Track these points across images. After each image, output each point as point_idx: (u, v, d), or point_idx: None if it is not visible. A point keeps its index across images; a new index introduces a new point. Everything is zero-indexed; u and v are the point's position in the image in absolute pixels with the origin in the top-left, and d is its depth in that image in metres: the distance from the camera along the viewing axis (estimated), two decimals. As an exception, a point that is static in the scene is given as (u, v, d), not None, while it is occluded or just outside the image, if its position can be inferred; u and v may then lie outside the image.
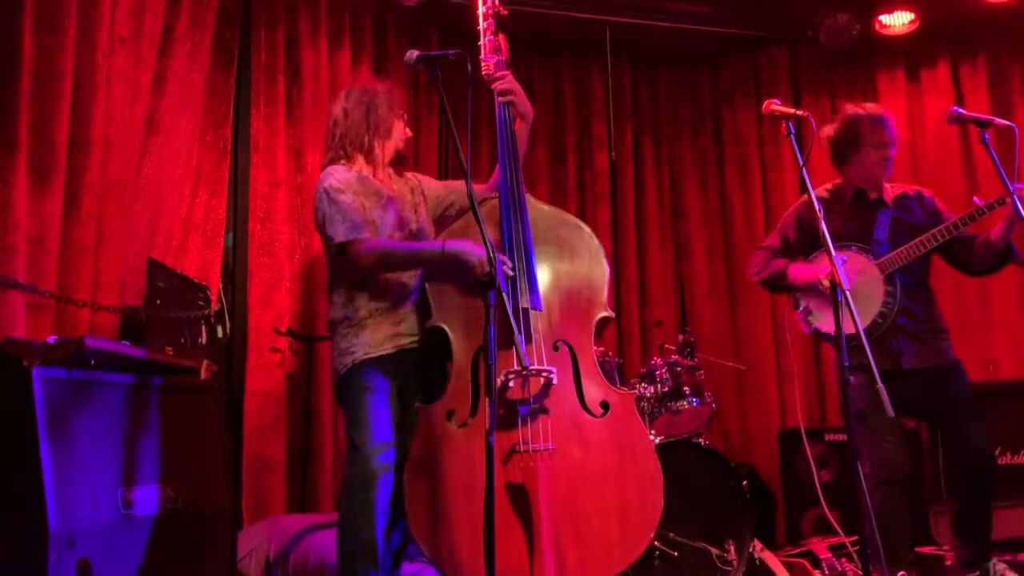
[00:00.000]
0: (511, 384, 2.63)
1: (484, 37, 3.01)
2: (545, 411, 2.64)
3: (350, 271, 2.85)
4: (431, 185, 3.15)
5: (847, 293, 2.56)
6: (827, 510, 3.95)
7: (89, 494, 2.40)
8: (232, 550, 2.97)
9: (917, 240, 3.29)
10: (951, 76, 5.40)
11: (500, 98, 2.94)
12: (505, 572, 2.38)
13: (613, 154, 5.50)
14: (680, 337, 4.11)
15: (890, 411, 2.47)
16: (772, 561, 3.78)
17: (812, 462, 4.15)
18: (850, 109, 3.46)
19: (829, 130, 3.51)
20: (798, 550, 4.33)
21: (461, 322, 2.75)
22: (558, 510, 2.55)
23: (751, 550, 3.59)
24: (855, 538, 3.69)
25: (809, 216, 3.45)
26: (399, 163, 3.07)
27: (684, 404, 3.85)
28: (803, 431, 4.06)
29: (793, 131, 2.74)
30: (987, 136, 3.09)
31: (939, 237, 3.26)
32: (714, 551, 3.51)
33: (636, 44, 5.71)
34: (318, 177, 2.93)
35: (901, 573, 3.15)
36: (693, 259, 5.81)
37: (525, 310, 2.71)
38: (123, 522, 2.47)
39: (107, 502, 2.44)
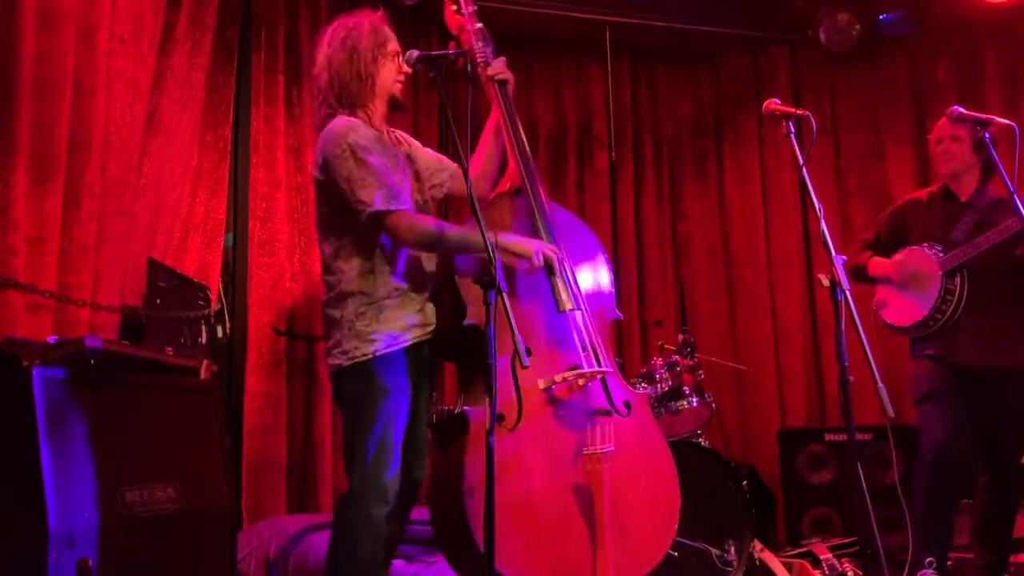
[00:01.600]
0: (570, 384, 2.62)
1: (471, 24, 2.89)
2: (606, 413, 2.67)
3: (372, 239, 2.59)
4: (422, 155, 2.89)
5: (847, 293, 2.55)
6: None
7: (89, 494, 2.40)
8: (232, 550, 2.96)
9: (981, 236, 3.29)
10: (951, 76, 5.40)
11: (499, 75, 2.84)
12: (569, 572, 2.48)
13: (613, 154, 5.50)
14: (680, 337, 4.12)
15: (890, 412, 2.46)
16: (772, 561, 3.78)
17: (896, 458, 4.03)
18: (950, 114, 3.39)
19: None
20: (798, 550, 4.33)
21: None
22: (610, 510, 2.60)
23: (751, 550, 3.59)
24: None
25: (902, 214, 3.62)
26: (396, 109, 2.79)
27: (684, 404, 3.85)
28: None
29: (793, 131, 2.74)
30: (988, 136, 3.09)
31: (991, 239, 3.26)
32: (714, 551, 3.51)
33: (636, 44, 5.71)
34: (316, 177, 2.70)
35: (929, 559, 3.17)
36: (693, 259, 5.81)
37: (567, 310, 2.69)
38: (123, 522, 2.47)
39: (107, 502, 2.43)
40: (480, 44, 2.86)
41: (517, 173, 2.87)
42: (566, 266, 2.73)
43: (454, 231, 2.59)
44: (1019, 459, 3.33)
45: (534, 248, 2.60)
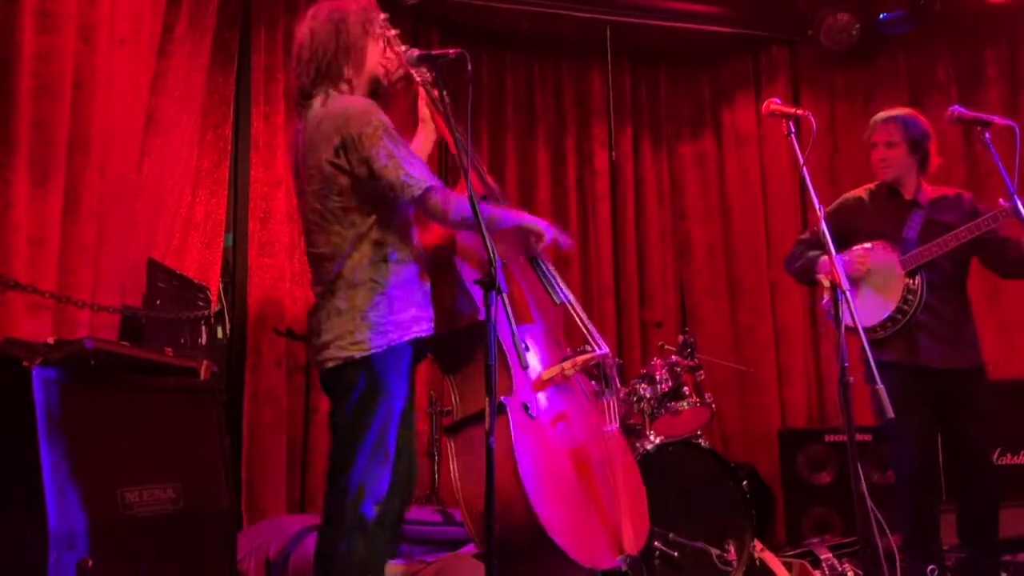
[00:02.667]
0: (569, 372, 2.76)
1: (397, 47, 2.67)
2: (615, 392, 2.91)
3: (387, 227, 2.49)
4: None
5: (847, 293, 2.56)
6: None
7: (89, 494, 2.40)
8: (232, 550, 2.96)
9: (940, 239, 3.28)
10: (951, 76, 5.40)
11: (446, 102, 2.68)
12: (608, 542, 2.67)
13: (613, 154, 5.50)
14: (680, 337, 4.11)
15: (889, 412, 2.47)
16: (772, 561, 3.78)
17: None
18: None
19: None
20: (798, 550, 4.33)
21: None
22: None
23: (751, 550, 3.59)
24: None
25: (841, 212, 3.54)
26: (376, 96, 2.60)
27: (684, 404, 3.85)
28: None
29: (793, 131, 2.74)
30: (988, 136, 3.09)
31: (960, 237, 3.24)
32: (714, 551, 3.51)
33: (636, 44, 5.72)
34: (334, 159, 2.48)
35: (932, 567, 3.17)
36: (693, 259, 5.81)
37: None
38: (123, 522, 2.47)
39: (107, 502, 2.43)
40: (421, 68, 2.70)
41: (479, 183, 2.80)
42: (547, 263, 2.87)
43: (489, 208, 2.57)
44: (990, 456, 3.33)
45: (543, 226, 2.70)
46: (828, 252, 2.65)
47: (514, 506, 2.49)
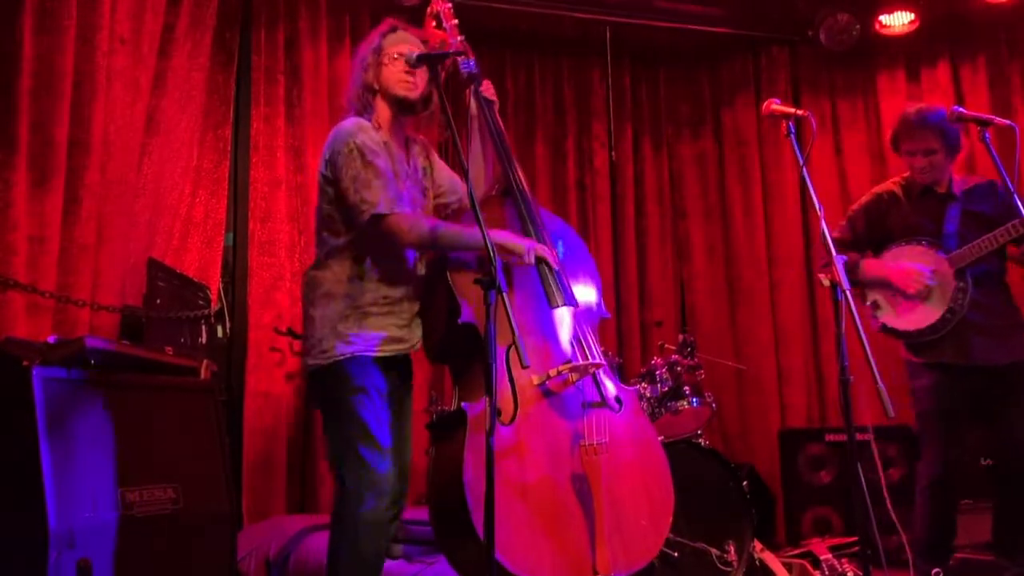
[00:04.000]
0: (564, 378, 2.65)
1: (452, 37, 2.90)
2: (601, 405, 2.71)
3: (364, 245, 2.61)
4: (441, 172, 2.92)
5: (847, 293, 2.55)
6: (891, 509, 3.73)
7: (89, 494, 2.40)
8: (232, 551, 2.96)
9: (990, 235, 3.24)
10: (951, 76, 5.40)
11: (491, 97, 2.91)
12: (570, 563, 2.50)
13: (613, 154, 5.49)
14: (680, 337, 4.11)
15: (890, 412, 2.46)
16: (772, 561, 3.78)
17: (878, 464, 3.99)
18: (907, 105, 3.40)
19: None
20: (798, 550, 4.33)
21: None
22: (607, 502, 2.63)
23: (751, 550, 3.59)
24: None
25: (879, 209, 3.51)
26: (406, 111, 2.75)
27: (684, 404, 3.85)
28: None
29: (793, 131, 2.74)
30: (988, 136, 3.09)
31: (1012, 232, 3.19)
32: (714, 551, 3.50)
33: (636, 44, 5.72)
34: (316, 175, 2.73)
35: (936, 571, 3.16)
36: (693, 259, 5.81)
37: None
38: (123, 522, 2.47)
39: (107, 502, 2.44)
40: (462, 57, 2.85)
41: (504, 179, 2.87)
42: (557, 261, 2.78)
43: (453, 229, 2.59)
44: None
45: (526, 246, 2.63)
46: (828, 252, 2.64)
47: (452, 512, 2.51)
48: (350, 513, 2.51)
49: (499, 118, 2.92)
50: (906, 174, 3.56)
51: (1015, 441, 3.25)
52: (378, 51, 2.70)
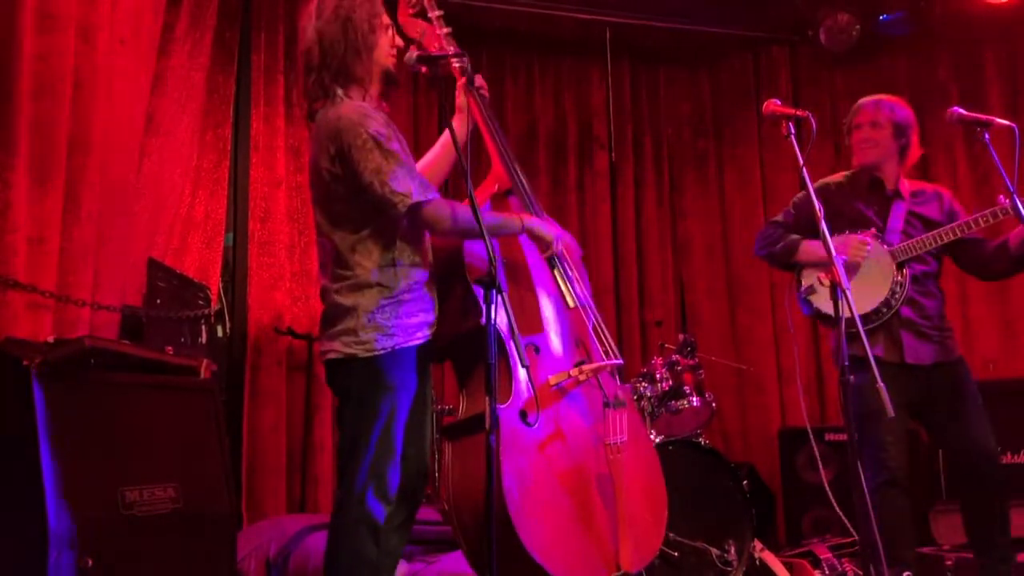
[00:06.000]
0: (582, 377, 2.66)
1: (438, 29, 2.76)
2: (622, 404, 2.73)
3: (392, 232, 2.47)
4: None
5: (847, 293, 2.55)
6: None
7: (89, 494, 2.40)
8: (232, 550, 2.96)
9: (934, 232, 3.25)
10: (951, 76, 5.40)
11: (483, 89, 2.82)
12: (601, 559, 2.55)
13: (613, 155, 5.50)
14: (680, 337, 4.12)
15: (890, 411, 2.46)
16: (772, 561, 3.78)
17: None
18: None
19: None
20: (798, 550, 4.33)
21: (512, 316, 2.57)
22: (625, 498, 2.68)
23: (751, 550, 3.59)
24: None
25: (826, 196, 3.42)
26: (391, 85, 2.59)
27: (684, 404, 3.85)
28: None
29: (793, 131, 2.74)
30: (988, 136, 3.09)
31: (957, 231, 3.21)
32: (714, 551, 3.51)
33: (636, 44, 5.72)
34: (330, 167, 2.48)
35: (907, 574, 3.14)
36: (693, 259, 5.81)
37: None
38: (123, 522, 2.47)
39: (107, 502, 2.43)
40: (451, 49, 2.71)
41: (507, 177, 2.83)
42: (567, 264, 2.77)
43: (490, 216, 2.53)
44: (995, 451, 3.25)
45: (555, 235, 2.64)
46: (828, 252, 2.64)
47: (496, 518, 2.45)
48: (352, 514, 2.41)
49: (492, 114, 2.85)
50: (855, 168, 3.52)
51: (972, 440, 3.20)
52: (372, 15, 2.51)
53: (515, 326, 2.32)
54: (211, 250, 4.20)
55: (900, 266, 3.30)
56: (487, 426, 2.23)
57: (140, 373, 2.75)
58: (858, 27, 5.30)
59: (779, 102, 2.81)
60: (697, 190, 5.88)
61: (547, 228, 2.67)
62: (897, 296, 3.28)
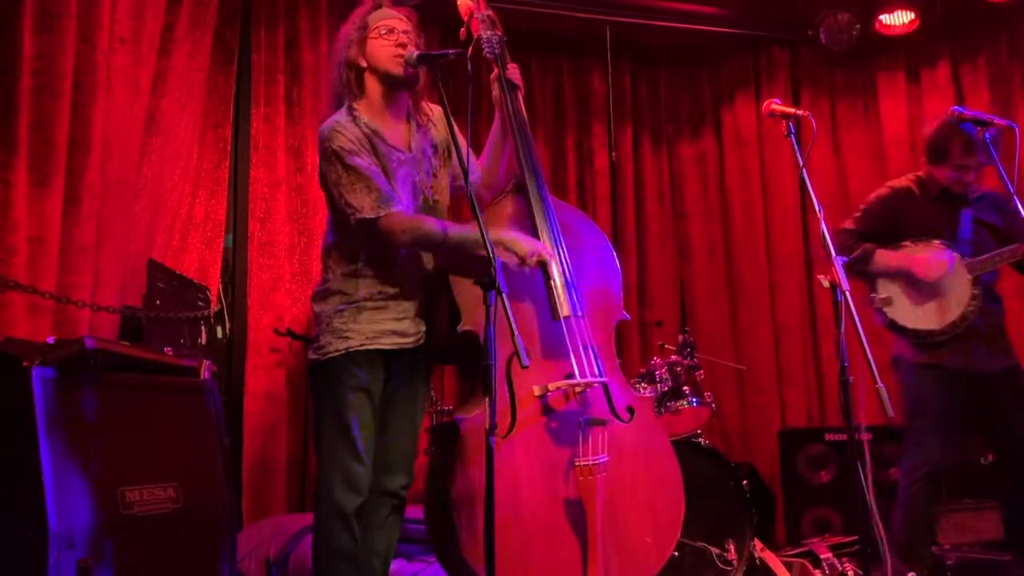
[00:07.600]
0: (560, 394, 2.58)
1: (480, 10, 2.81)
2: (601, 423, 2.59)
3: (356, 244, 2.57)
4: (464, 146, 2.58)
5: (847, 294, 2.55)
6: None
7: (89, 494, 2.40)
8: (232, 550, 2.96)
9: (1012, 248, 3.25)
10: (951, 76, 5.40)
11: (515, 79, 2.82)
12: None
13: (613, 154, 5.50)
14: (680, 337, 4.12)
15: (890, 412, 2.46)
16: (772, 561, 3.78)
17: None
18: (951, 115, 3.28)
19: (927, 130, 3.47)
20: (798, 550, 4.33)
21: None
22: (606, 519, 2.54)
23: (751, 550, 3.59)
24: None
25: (896, 203, 3.45)
26: (403, 86, 2.61)
27: (684, 404, 3.85)
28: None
29: (793, 131, 2.74)
30: (988, 136, 3.09)
31: None
32: (714, 551, 3.51)
33: (636, 44, 5.72)
34: (316, 175, 2.73)
35: (911, 574, 3.16)
36: (693, 259, 5.81)
37: (566, 317, 2.62)
38: (123, 522, 2.47)
39: (107, 502, 2.43)
40: (488, 33, 2.80)
41: (521, 174, 2.81)
42: (566, 269, 2.69)
43: (452, 230, 2.52)
44: None
45: (528, 249, 2.56)
46: (828, 253, 2.64)
47: (439, 524, 2.50)
48: (324, 507, 2.51)
49: (522, 106, 2.85)
50: (920, 173, 3.49)
51: (1021, 440, 3.26)
52: (363, 27, 2.60)
53: (515, 327, 2.28)
54: (211, 251, 4.20)
55: (976, 279, 3.31)
56: (487, 426, 2.23)
57: (140, 374, 2.75)
58: (858, 27, 5.30)
59: (779, 102, 2.81)
60: (697, 190, 5.88)
61: (521, 241, 2.57)
62: (973, 309, 3.29)
